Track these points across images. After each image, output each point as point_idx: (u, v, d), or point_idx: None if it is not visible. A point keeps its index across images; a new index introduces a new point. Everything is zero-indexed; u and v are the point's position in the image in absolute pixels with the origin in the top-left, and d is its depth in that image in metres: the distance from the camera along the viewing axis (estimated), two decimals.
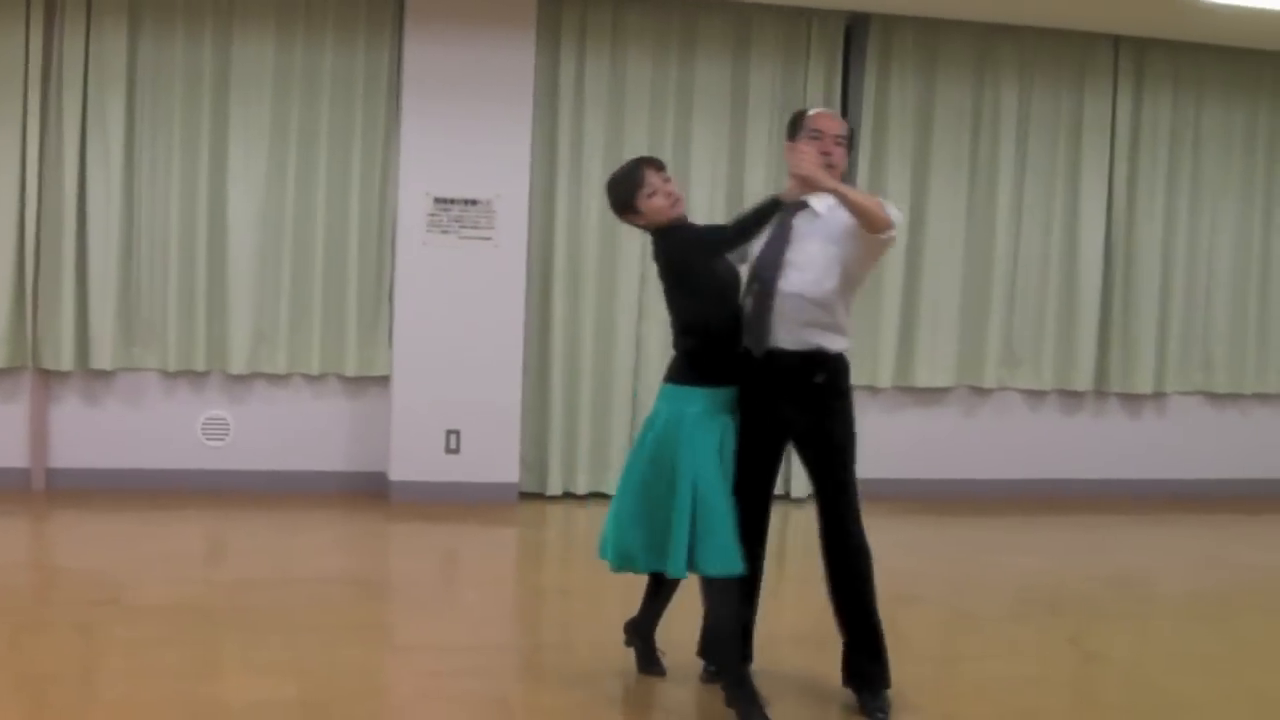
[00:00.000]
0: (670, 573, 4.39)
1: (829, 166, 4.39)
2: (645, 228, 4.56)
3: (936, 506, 8.20)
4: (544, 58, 7.87)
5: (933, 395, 8.59)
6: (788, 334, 4.39)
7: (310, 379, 7.88)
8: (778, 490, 4.75)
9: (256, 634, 5.18)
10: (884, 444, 7.87)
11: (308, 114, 7.69)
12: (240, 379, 7.79)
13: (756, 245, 4.53)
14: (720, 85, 8.11)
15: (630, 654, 4.83)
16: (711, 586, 4.33)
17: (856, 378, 4.84)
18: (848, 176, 7.87)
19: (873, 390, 8.36)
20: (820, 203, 4.46)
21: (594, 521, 7.70)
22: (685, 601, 4.63)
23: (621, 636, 4.85)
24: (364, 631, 5.35)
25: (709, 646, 4.68)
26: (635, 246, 7.96)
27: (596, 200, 7.94)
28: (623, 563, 4.52)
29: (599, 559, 4.61)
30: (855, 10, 8.16)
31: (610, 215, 8.14)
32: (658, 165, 4.56)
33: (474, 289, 7.71)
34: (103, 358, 7.53)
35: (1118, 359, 8.76)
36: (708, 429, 4.34)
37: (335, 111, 7.72)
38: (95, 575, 6.06)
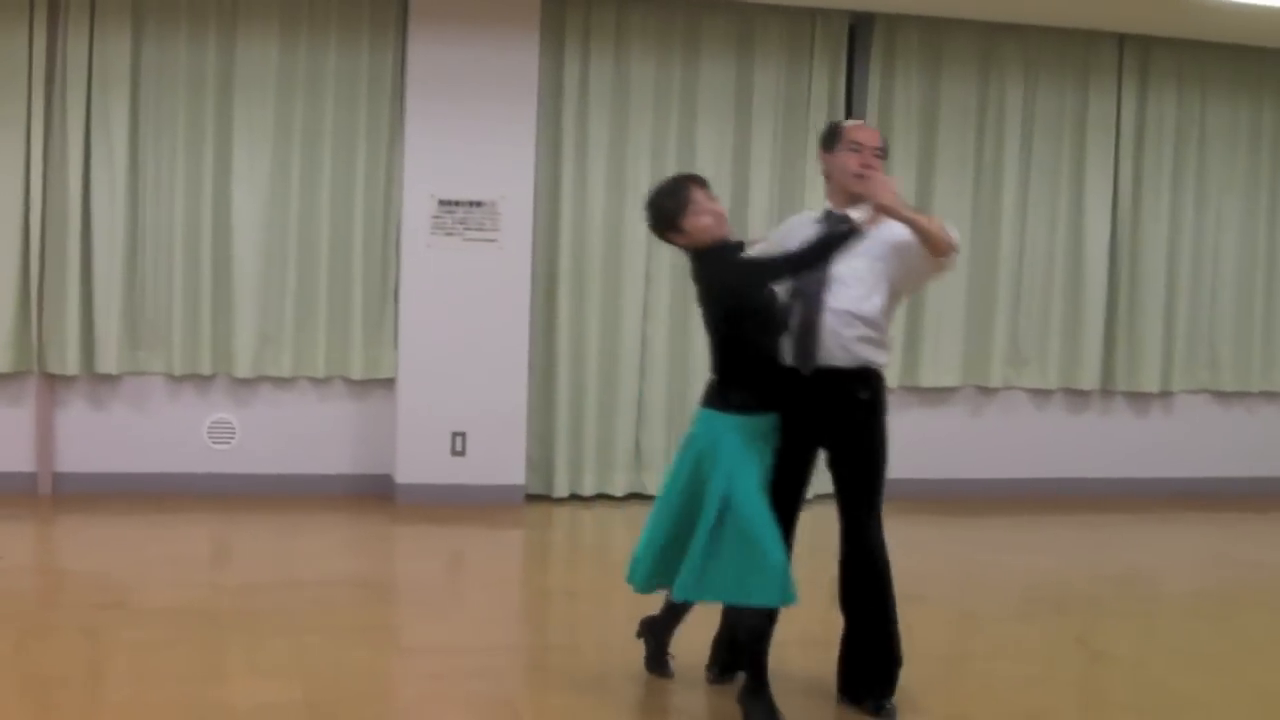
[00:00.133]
0: (675, 593, 4.32)
1: (870, 178, 4.41)
2: (686, 248, 4.39)
3: (942, 506, 8.19)
4: (548, 58, 7.86)
5: (939, 395, 8.58)
6: (838, 350, 4.36)
7: (315, 382, 7.88)
8: None
9: (262, 637, 5.18)
10: (890, 444, 7.83)
11: (311, 115, 7.69)
12: (245, 382, 7.79)
13: None
14: (724, 85, 8.10)
15: (638, 651, 4.82)
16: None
17: None
18: None
19: None
20: (864, 217, 4.44)
21: (600, 523, 7.77)
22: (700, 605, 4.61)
23: (629, 635, 4.84)
24: (370, 634, 5.35)
25: (730, 648, 4.65)
26: (640, 247, 7.96)
27: (601, 201, 7.95)
28: (650, 589, 4.47)
29: (626, 581, 4.54)
30: (859, 9, 8.15)
31: (614, 215, 8.21)
32: (703, 183, 4.41)
33: (479, 291, 7.71)
34: (108, 362, 7.53)
35: (1124, 358, 8.75)
36: (746, 458, 4.22)
37: (339, 113, 7.71)
38: (101, 578, 6.06)
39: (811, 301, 4.36)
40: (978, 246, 8.47)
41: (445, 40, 7.59)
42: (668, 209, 4.35)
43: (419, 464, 7.73)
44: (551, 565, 7.17)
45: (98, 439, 7.64)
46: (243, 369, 7.71)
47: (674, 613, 4.68)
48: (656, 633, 4.77)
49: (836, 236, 4.28)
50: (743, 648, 4.41)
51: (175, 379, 7.72)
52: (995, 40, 8.43)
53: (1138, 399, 8.89)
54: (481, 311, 7.71)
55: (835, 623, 4.57)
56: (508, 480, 7.83)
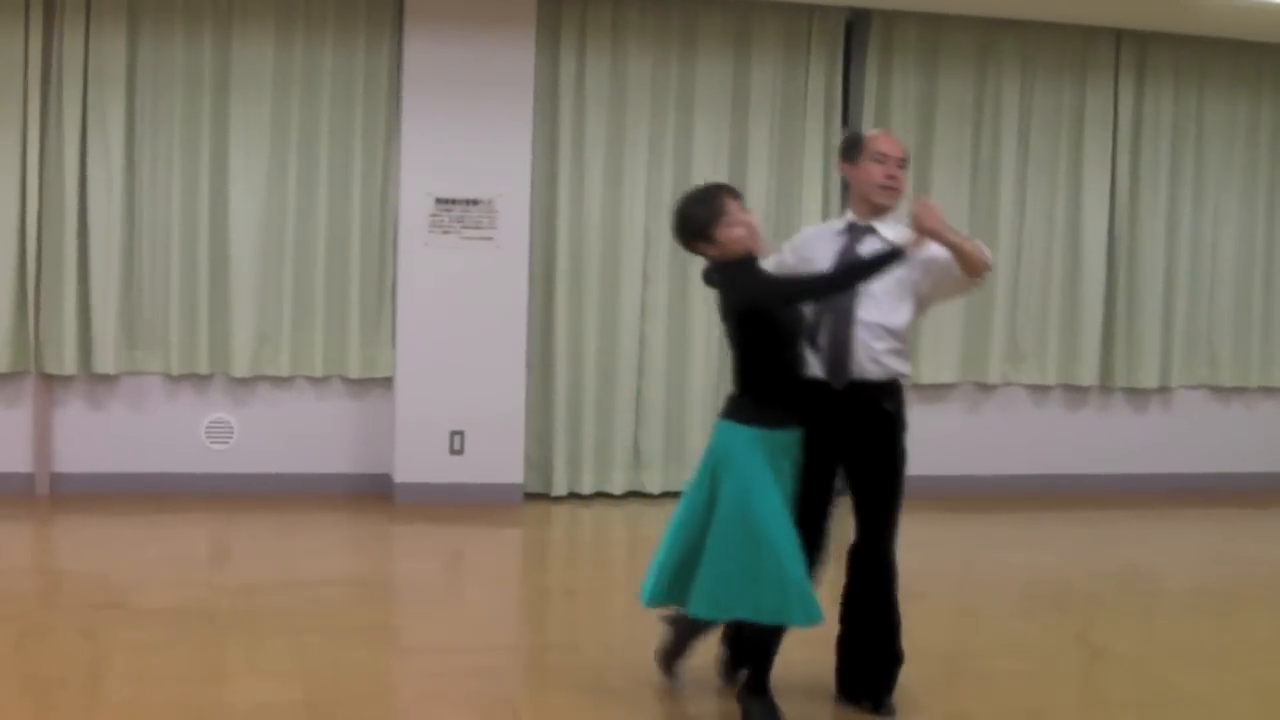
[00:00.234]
0: (689, 609, 4.21)
1: (895, 189, 4.42)
2: (715, 259, 4.24)
3: (941, 503, 8.19)
4: (544, 56, 7.85)
5: (937, 391, 8.57)
6: (869, 363, 4.34)
7: (313, 381, 7.87)
8: None
9: (261, 637, 5.18)
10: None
11: (308, 114, 7.68)
12: (243, 382, 7.78)
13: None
14: (721, 82, 8.09)
15: (637, 649, 4.81)
16: None
17: None
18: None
19: None
20: (889, 230, 4.42)
21: (599, 522, 7.76)
22: None
23: (629, 633, 4.84)
24: (369, 633, 5.35)
25: (735, 643, 4.62)
26: (638, 245, 7.96)
27: (598, 198, 7.94)
28: (657, 603, 4.36)
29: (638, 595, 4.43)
30: (856, 6, 8.14)
31: (611, 212, 8.20)
32: (736, 193, 4.27)
33: (476, 289, 7.70)
34: (106, 362, 7.52)
35: (1122, 354, 8.74)
36: (763, 473, 4.11)
37: (336, 112, 7.70)
38: (100, 579, 6.06)
39: (843, 315, 4.33)
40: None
41: (441, 38, 7.58)
42: (699, 217, 4.20)
43: (417, 463, 7.72)
44: (550, 564, 7.17)
45: (95, 439, 7.63)
46: (240, 368, 7.69)
47: (695, 627, 4.56)
48: (679, 628, 4.62)
49: (880, 260, 4.19)
50: (749, 647, 4.38)
51: (173, 379, 7.70)
52: (992, 36, 8.42)
53: (1136, 395, 8.89)
54: (479, 310, 7.70)
55: (834, 622, 4.55)
56: (506, 479, 7.82)
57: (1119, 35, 8.56)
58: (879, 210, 4.47)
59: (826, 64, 8.21)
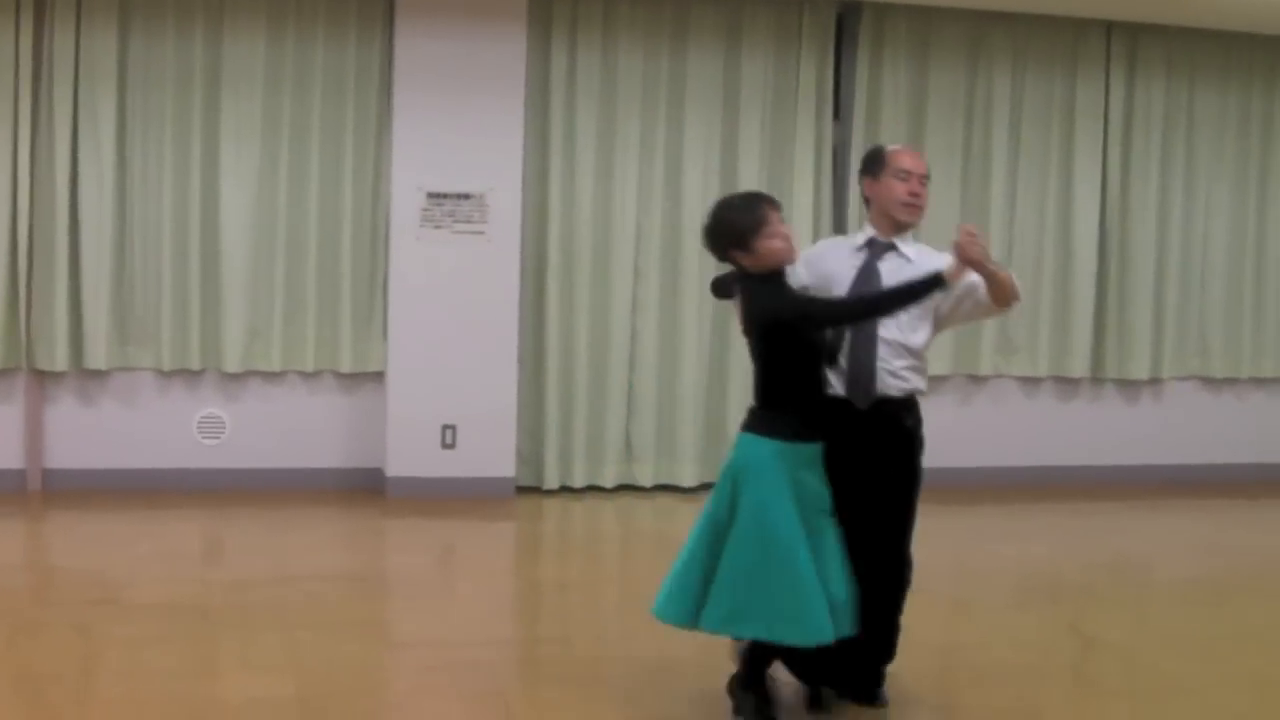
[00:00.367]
0: (702, 623, 4.11)
1: (918, 207, 4.39)
2: (748, 269, 4.10)
3: (933, 495, 8.05)
4: (535, 51, 7.85)
5: (928, 384, 8.54)
6: (890, 380, 4.34)
7: (305, 376, 7.86)
8: None
9: (254, 632, 5.17)
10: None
11: (299, 109, 7.67)
12: (235, 377, 7.77)
13: (839, 291, 4.34)
14: (712, 76, 8.09)
15: (629, 642, 4.82)
16: None
17: None
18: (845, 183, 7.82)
19: None
20: (909, 248, 4.40)
21: (591, 515, 7.77)
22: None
23: (621, 626, 4.84)
24: (361, 628, 5.35)
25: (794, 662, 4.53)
26: (629, 239, 7.96)
27: (589, 192, 7.94)
28: (666, 616, 4.21)
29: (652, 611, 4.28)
30: None
31: (602, 206, 8.18)
32: (777, 204, 4.13)
33: (468, 283, 7.69)
34: (97, 357, 7.51)
35: (1113, 345, 8.76)
36: (782, 487, 4.03)
37: (327, 107, 7.69)
38: (92, 575, 6.06)
39: (866, 335, 4.31)
40: None
41: (433, 33, 7.58)
42: (740, 226, 4.05)
43: (409, 457, 7.72)
44: (542, 557, 7.17)
45: (87, 435, 7.62)
46: (232, 364, 7.69)
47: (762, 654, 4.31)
48: (752, 685, 4.33)
49: (918, 288, 4.09)
50: (751, 646, 4.33)
51: (164, 374, 7.69)
52: (983, 28, 8.42)
53: (1127, 386, 8.90)
54: (471, 304, 7.70)
55: None
56: (498, 473, 7.82)
57: (1109, 27, 8.57)
58: (900, 227, 4.41)
59: (817, 57, 8.21)
